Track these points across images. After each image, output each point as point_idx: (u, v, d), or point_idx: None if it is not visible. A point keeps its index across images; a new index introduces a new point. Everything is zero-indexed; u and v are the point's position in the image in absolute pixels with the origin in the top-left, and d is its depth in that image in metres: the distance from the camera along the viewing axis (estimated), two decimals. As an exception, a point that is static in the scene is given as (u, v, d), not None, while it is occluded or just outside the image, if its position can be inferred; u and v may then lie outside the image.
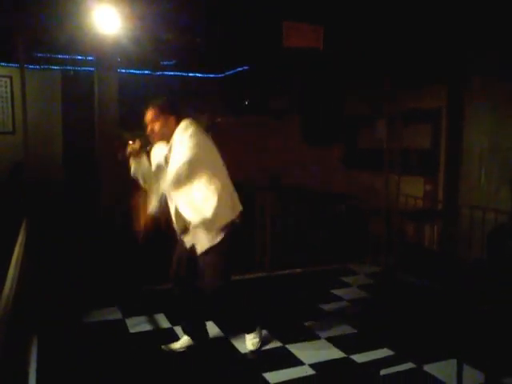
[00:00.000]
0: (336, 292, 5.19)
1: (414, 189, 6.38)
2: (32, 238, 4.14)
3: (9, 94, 6.86)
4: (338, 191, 7.33)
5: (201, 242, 3.36)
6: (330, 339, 4.00)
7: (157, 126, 3.28)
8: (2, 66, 6.76)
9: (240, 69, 7.95)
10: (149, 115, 3.30)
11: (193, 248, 3.41)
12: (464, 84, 5.95)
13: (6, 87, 6.84)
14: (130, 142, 3.28)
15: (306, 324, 4.32)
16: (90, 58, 6.51)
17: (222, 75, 8.47)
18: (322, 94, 8.22)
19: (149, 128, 3.30)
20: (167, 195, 3.34)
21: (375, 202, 6.43)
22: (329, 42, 5.29)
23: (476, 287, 4.89)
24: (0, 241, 3.82)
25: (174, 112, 3.32)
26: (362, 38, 5.62)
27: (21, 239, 3.52)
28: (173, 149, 3.25)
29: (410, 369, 3.52)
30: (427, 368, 3.52)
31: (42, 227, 4.74)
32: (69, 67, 7.12)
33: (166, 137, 3.30)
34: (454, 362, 3.24)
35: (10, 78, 6.80)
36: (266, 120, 8.24)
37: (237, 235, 3.47)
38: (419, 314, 4.60)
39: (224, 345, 3.89)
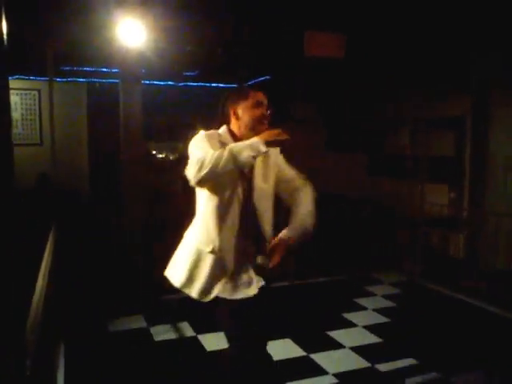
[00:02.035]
0: (360, 301, 5.16)
1: (438, 196, 6.31)
2: (59, 247, 4.22)
3: (37, 107, 7.03)
4: (362, 198, 7.29)
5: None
6: (353, 348, 3.98)
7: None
8: (31, 79, 6.94)
9: (262, 78, 7.99)
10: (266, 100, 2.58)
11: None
12: (488, 90, 5.89)
13: (34, 100, 7.02)
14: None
15: (330, 333, 4.30)
16: (114, 70, 6.64)
17: (245, 85, 8.52)
18: (345, 101, 8.21)
19: (266, 112, 2.58)
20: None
21: (400, 210, 6.38)
22: (351, 50, 5.30)
23: (503, 296, 4.81)
24: (27, 248, 3.91)
25: None
26: (386, 46, 5.62)
27: (49, 248, 3.60)
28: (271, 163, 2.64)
29: (436, 379, 3.48)
30: (454, 379, 3.47)
31: (69, 235, 4.84)
32: (94, 79, 7.26)
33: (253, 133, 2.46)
34: (481, 373, 3.19)
35: (39, 91, 6.96)
36: (288, 128, 8.26)
37: None
38: (446, 324, 4.54)
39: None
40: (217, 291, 2.42)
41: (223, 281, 2.43)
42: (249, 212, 2.51)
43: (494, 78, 5.79)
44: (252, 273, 2.46)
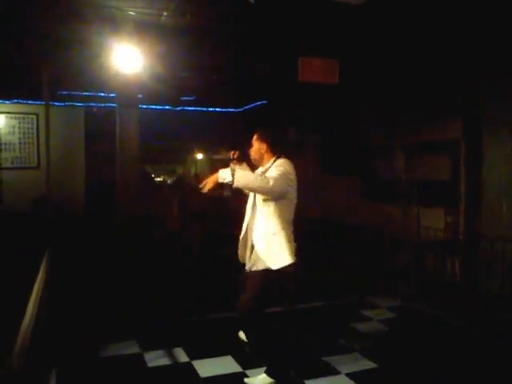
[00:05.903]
0: (356, 326, 5.11)
1: (434, 220, 6.31)
2: (52, 272, 4.20)
3: (35, 131, 7.08)
4: (358, 223, 7.29)
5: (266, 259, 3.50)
6: (349, 374, 3.93)
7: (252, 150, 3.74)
8: (29, 104, 7.00)
9: (259, 103, 8.08)
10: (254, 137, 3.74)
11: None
12: (481, 114, 5.93)
13: (32, 124, 7.07)
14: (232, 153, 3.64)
15: (326, 359, 4.25)
16: (112, 95, 6.71)
17: (242, 109, 8.61)
18: (340, 125, 8.27)
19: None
20: (253, 205, 3.61)
21: (396, 234, 6.38)
22: (345, 76, 5.37)
23: (501, 321, 4.78)
24: (21, 272, 3.89)
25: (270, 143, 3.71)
26: (381, 72, 5.70)
27: (41, 274, 3.58)
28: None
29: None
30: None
31: (62, 260, 4.81)
32: (92, 104, 7.33)
33: (257, 161, 3.74)
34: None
35: (37, 115, 7.03)
36: (285, 152, 8.30)
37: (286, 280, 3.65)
38: (440, 349, 4.50)
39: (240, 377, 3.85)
40: None
41: None
42: None
43: (486, 102, 5.85)
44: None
